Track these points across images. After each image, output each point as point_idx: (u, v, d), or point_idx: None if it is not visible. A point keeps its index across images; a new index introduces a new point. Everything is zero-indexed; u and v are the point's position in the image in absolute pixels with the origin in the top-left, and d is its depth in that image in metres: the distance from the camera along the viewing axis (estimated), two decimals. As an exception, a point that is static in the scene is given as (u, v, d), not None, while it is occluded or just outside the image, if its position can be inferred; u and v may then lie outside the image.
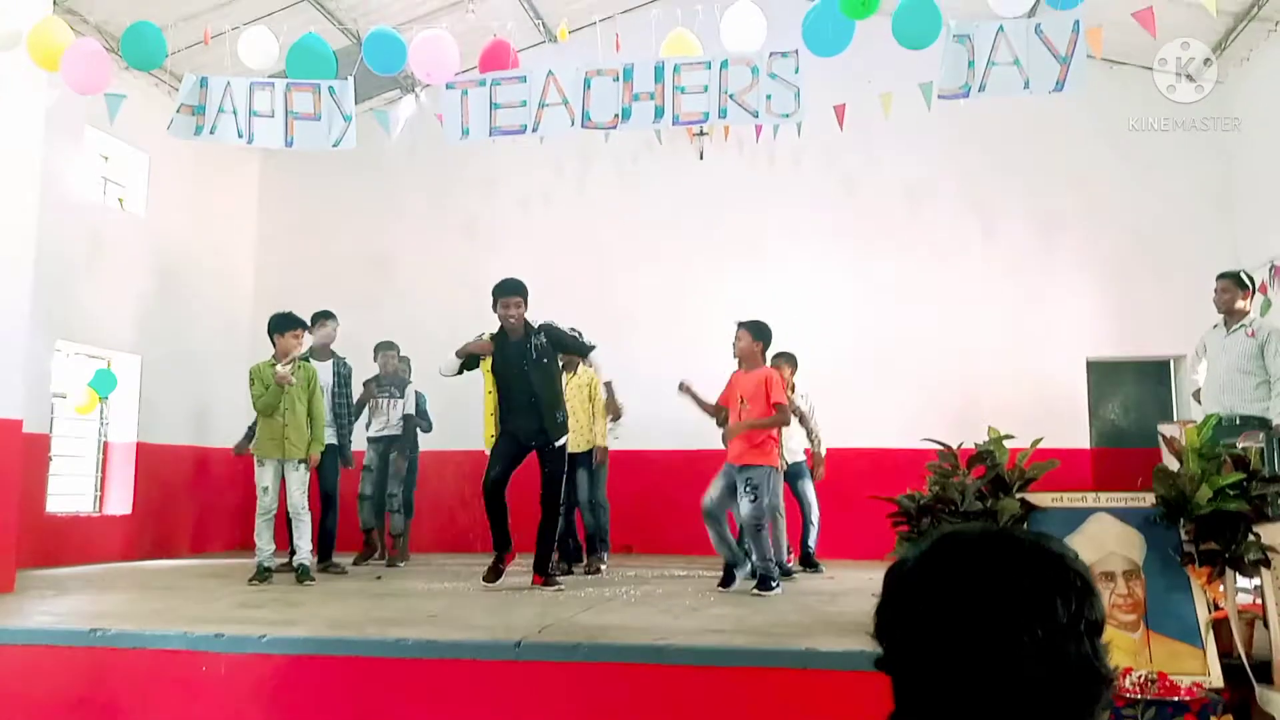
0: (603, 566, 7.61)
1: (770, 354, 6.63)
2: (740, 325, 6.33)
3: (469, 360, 6.38)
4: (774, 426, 6.17)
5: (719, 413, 6.35)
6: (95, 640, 4.36)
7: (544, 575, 6.31)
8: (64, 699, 4.30)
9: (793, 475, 7.48)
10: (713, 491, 6.13)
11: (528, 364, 6.24)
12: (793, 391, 7.26)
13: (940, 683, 1.01)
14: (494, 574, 6.31)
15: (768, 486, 6.08)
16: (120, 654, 4.32)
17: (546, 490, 6.32)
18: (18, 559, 6.25)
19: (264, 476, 6.70)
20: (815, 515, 7.69)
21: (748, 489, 5.98)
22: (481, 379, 6.53)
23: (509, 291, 6.31)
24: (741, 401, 6.16)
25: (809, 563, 7.63)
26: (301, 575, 6.66)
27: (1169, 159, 9.15)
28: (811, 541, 7.70)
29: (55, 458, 8.40)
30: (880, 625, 1.09)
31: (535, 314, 6.55)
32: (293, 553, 6.86)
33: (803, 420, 7.47)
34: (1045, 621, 0.99)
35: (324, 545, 7.41)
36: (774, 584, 5.99)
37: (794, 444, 7.50)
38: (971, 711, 0.99)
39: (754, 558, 6.11)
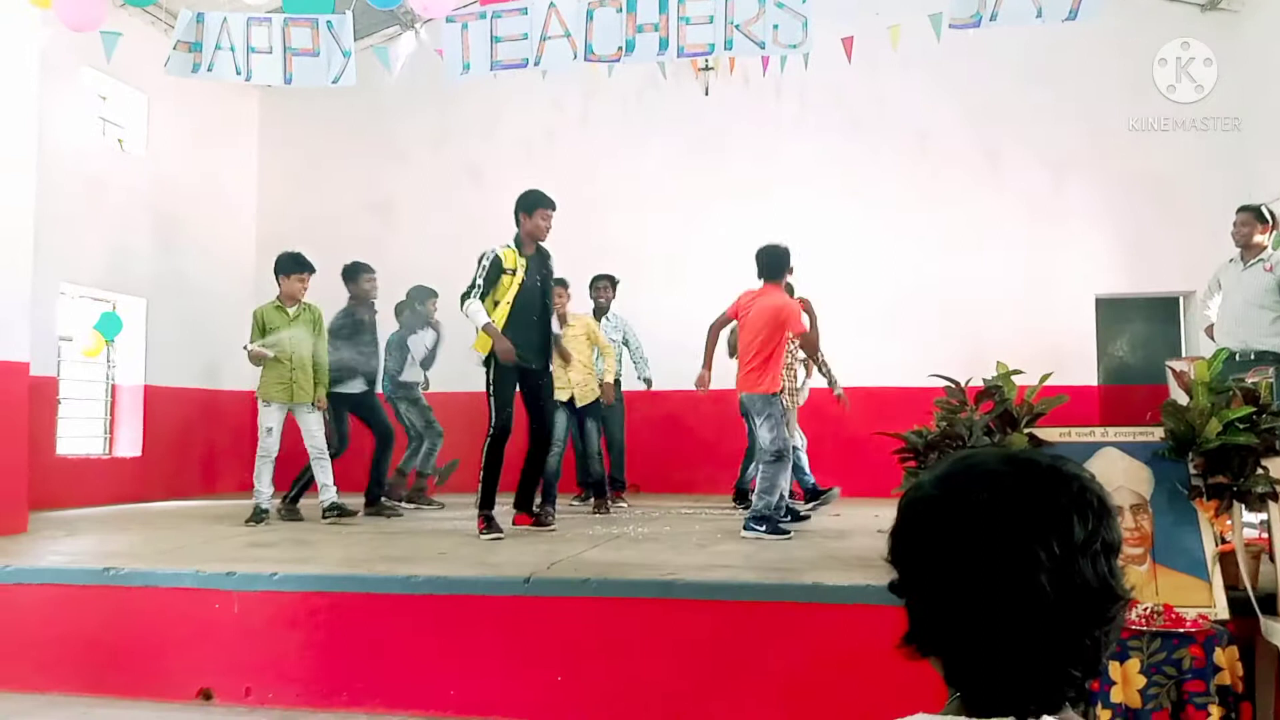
0: (623, 504, 7.72)
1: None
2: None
3: (488, 288, 5.92)
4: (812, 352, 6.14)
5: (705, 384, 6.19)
6: (108, 579, 4.41)
7: (529, 513, 6.16)
8: (78, 637, 4.36)
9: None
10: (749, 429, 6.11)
11: (542, 280, 6.06)
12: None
13: (955, 604, 1.01)
14: (491, 526, 5.81)
15: (777, 411, 5.87)
16: (133, 593, 4.38)
17: (539, 418, 6.06)
18: (29, 500, 6.30)
19: (269, 418, 6.69)
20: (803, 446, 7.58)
21: (757, 418, 5.93)
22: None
23: (549, 204, 5.99)
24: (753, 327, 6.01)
25: (815, 494, 7.52)
26: (338, 512, 6.66)
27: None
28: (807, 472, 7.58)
29: (64, 400, 8.43)
30: (895, 549, 1.08)
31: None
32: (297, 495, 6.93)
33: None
34: (1061, 539, 0.98)
35: (373, 486, 7.40)
36: (762, 529, 5.69)
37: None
38: (987, 632, 0.99)
39: (759, 488, 5.83)
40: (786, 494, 6.07)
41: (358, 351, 7.33)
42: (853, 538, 5.68)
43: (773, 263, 6.07)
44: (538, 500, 6.45)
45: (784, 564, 4.59)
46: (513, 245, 5.96)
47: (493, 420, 5.84)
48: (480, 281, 5.84)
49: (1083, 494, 1.02)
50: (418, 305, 8.09)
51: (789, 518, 6.12)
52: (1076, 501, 1.01)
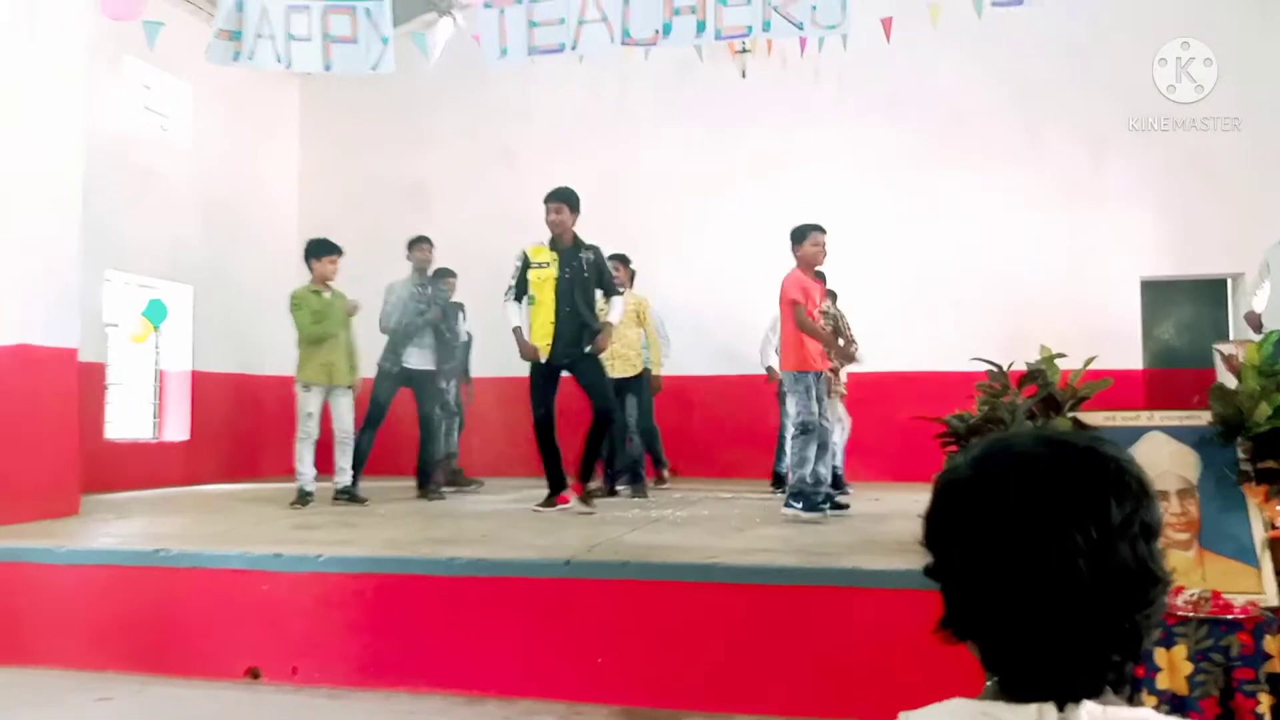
0: (666, 483, 7.79)
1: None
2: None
3: (519, 289, 6.29)
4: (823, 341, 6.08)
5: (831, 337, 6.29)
6: (159, 560, 4.51)
7: (584, 486, 6.32)
8: (130, 617, 4.46)
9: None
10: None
11: (573, 272, 6.19)
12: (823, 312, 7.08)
13: (991, 588, 1.00)
14: (548, 503, 6.30)
15: (801, 388, 5.86)
16: (183, 574, 4.47)
17: (594, 397, 6.26)
18: (80, 483, 6.44)
19: (310, 402, 6.78)
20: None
21: (791, 393, 5.94)
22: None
23: (550, 196, 6.27)
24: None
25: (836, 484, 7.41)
26: (348, 496, 6.81)
27: (1231, 71, 8.79)
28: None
29: (112, 386, 8.59)
30: (930, 532, 1.07)
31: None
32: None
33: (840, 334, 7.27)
34: (1099, 521, 0.97)
35: (423, 472, 7.52)
36: (799, 505, 5.78)
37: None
38: (1024, 616, 0.98)
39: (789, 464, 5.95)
40: (825, 476, 6.06)
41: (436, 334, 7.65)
42: (892, 522, 5.65)
43: (791, 239, 6.14)
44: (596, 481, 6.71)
45: (822, 548, 4.58)
46: (545, 241, 6.24)
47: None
48: (512, 283, 6.27)
49: (1120, 475, 1.00)
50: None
51: (827, 504, 6.09)
52: (1114, 483, 0.99)
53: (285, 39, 6.31)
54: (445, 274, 8.43)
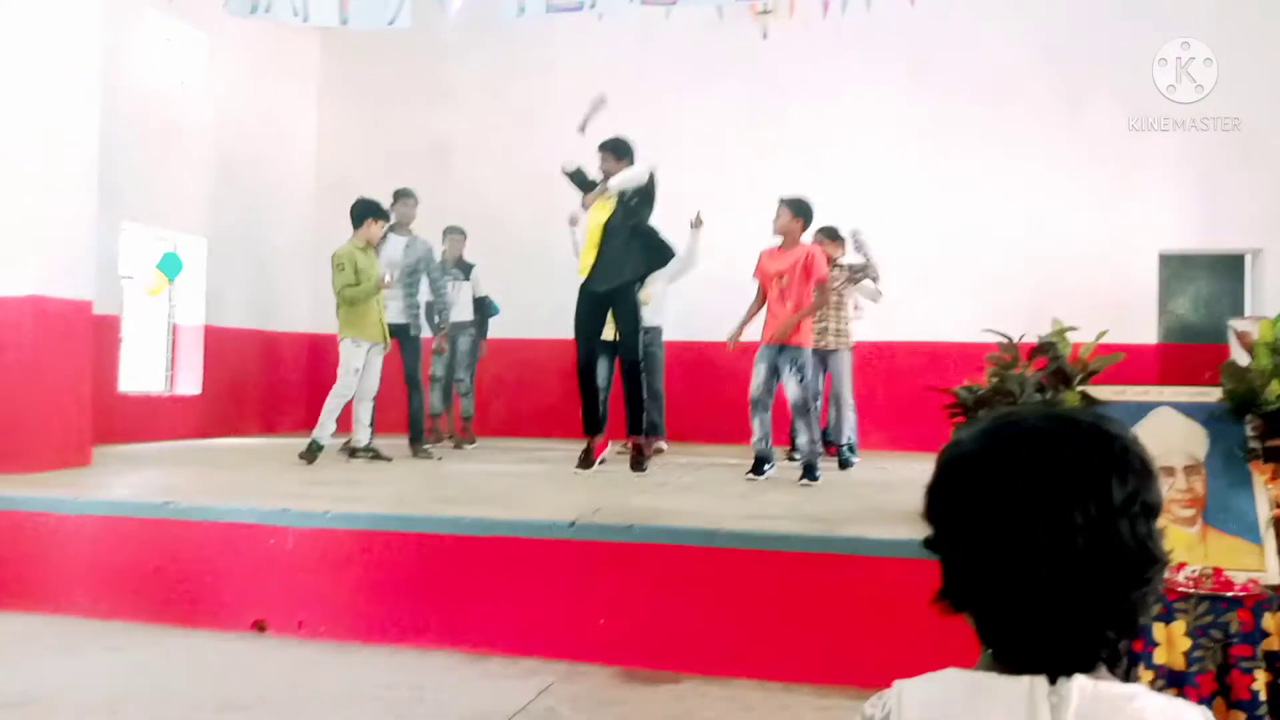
0: (662, 448, 7.75)
1: (812, 230, 6.50)
2: (781, 201, 6.19)
3: (579, 179, 6.43)
4: (819, 309, 6.06)
5: (757, 308, 6.27)
6: (169, 512, 4.56)
7: (638, 436, 6.36)
8: (140, 567, 4.52)
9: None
10: (756, 378, 6.08)
11: (622, 211, 6.21)
12: (835, 267, 7.07)
13: (990, 561, 1.00)
14: (586, 461, 6.33)
15: (810, 365, 6.08)
16: (192, 526, 4.51)
17: (621, 345, 6.33)
18: (93, 435, 6.50)
19: (357, 357, 6.81)
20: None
21: (794, 369, 5.95)
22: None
23: (600, 148, 6.35)
24: (781, 279, 6.07)
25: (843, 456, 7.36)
26: (366, 454, 6.86)
27: (1260, 39, 8.64)
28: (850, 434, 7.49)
29: (126, 339, 8.64)
30: (931, 504, 1.07)
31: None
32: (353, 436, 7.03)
33: (863, 274, 7.24)
34: (1100, 499, 0.97)
35: (414, 428, 7.52)
36: (818, 473, 5.99)
37: (844, 326, 7.31)
38: (1021, 590, 0.98)
39: (801, 440, 6.08)
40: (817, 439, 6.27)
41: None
42: (898, 489, 5.66)
43: (798, 213, 6.27)
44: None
45: (827, 515, 4.59)
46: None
47: None
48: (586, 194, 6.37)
49: (1124, 454, 1.00)
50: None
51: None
52: (1117, 462, 0.99)
53: (302, -8, 6.27)
54: (454, 232, 8.43)
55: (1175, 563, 3.18)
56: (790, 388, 6.00)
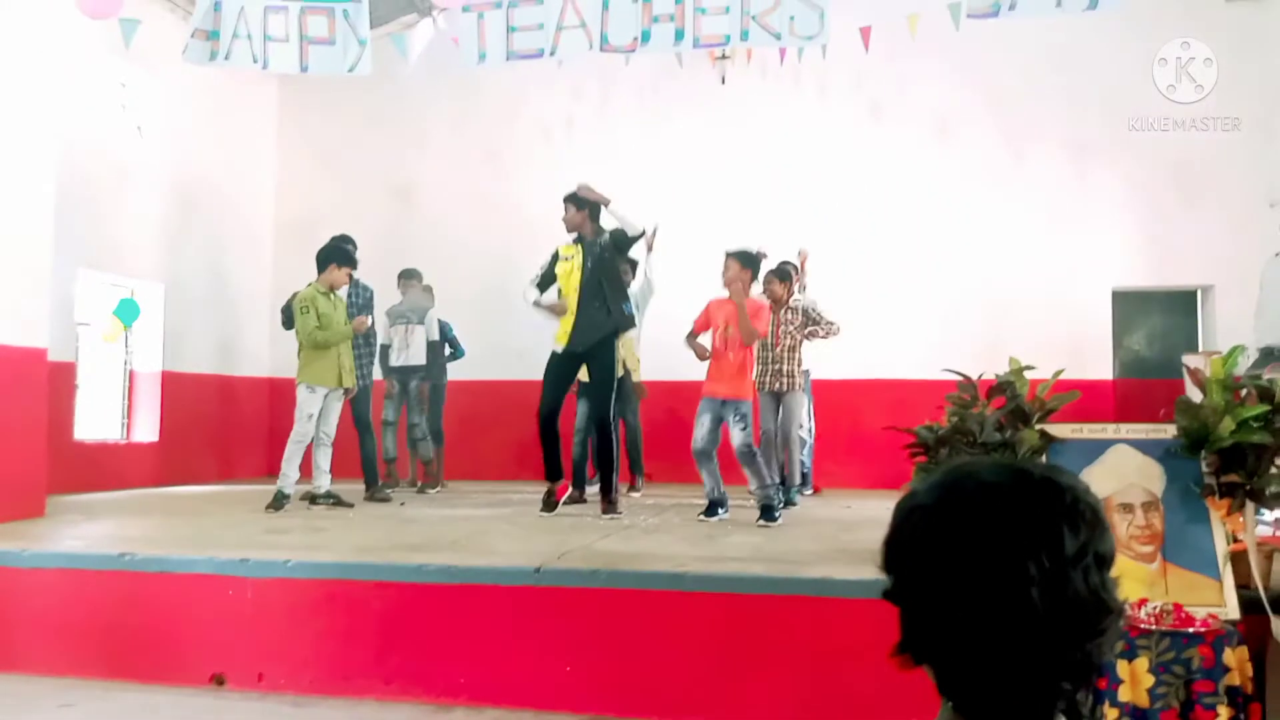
0: (636, 492, 7.81)
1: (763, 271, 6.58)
2: (728, 254, 6.23)
3: (544, 280, 6.42)
4: (749, 339, 6.08)
5: (705, 354, 6.29)
6: (124, 564, 4.46)
7: (607, 500, 6.34)
8: (95, 622, 4.41)
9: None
10: (701, 430, 6.09)
11: (593, 263, 6.25)
12: (787, 305, 7.12)
13: (947, 614, 1.01)
14: (549, 504, 6.35)
15: (751, 416, 6.11)
16: (149, 578, 4.42)
17: (593, 401, 6.43)
18: (47, 485, 6.36)
19: (312, 403, 6.75)
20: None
21: (738, 419, 5.99)
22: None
23: (565, 199, 6.40)
24: (725, 328, 6.12)
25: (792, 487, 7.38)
26: (327, 500, 6.78)
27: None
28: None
29: (82, 386, 8.50)
30: (889, 556, 1.08)
31: (553, 237, 6.57)
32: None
33: (812, 324, 7.28)
34: (1052, 551, 0.98)
35: (369, 472, 7.49)
36: (776, 514, 6.00)
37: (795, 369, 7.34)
38: (978, 643, 0.99)
39: (752, 486, 6.08)
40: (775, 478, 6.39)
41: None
42: (863, 530, 5.67)
43: (746, 265, 6.30)
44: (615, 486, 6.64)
45: (793, 556, 4.59)
46: (573, 241, 6.41)
47: None
48: (538, 273, 6.42)
49: (1075, 505, 1.01)
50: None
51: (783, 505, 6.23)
52: (1068, 513, 1.00)
53: (262, 40, 6.26)
54: (408, 275, 8.44)
55: (1136, 599, 3.21)
56: (735, 436, 6.04)
